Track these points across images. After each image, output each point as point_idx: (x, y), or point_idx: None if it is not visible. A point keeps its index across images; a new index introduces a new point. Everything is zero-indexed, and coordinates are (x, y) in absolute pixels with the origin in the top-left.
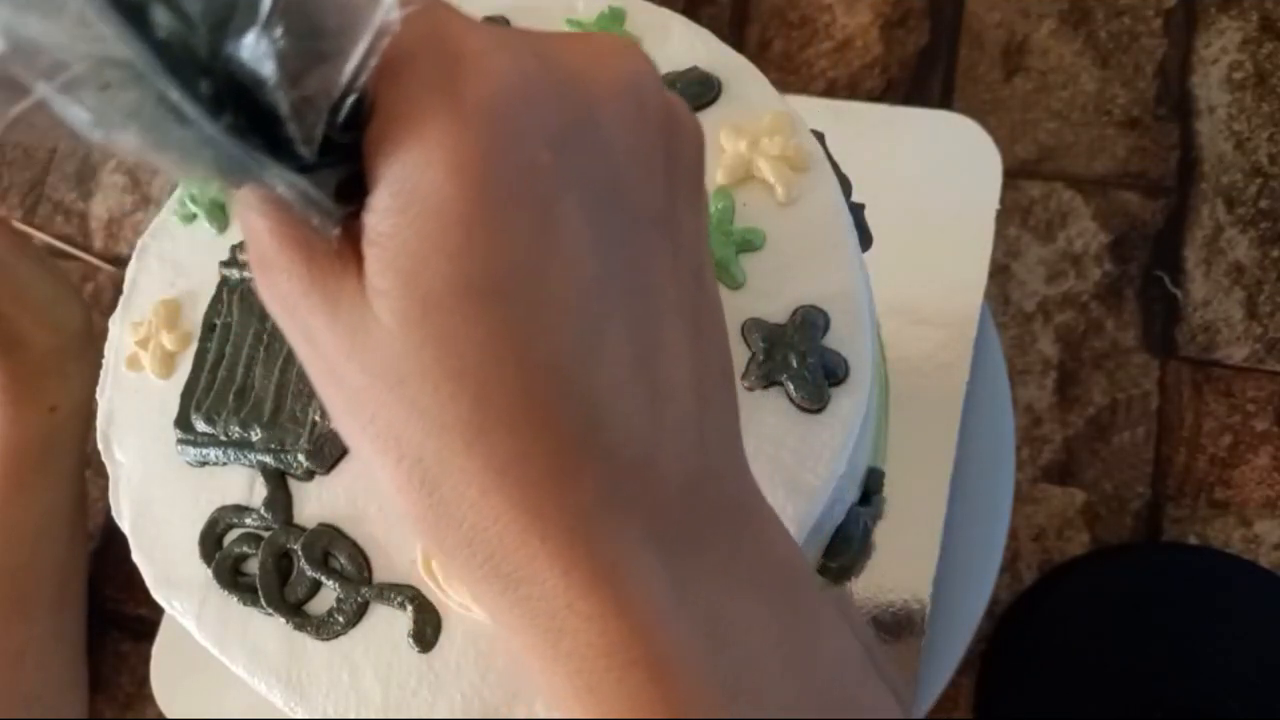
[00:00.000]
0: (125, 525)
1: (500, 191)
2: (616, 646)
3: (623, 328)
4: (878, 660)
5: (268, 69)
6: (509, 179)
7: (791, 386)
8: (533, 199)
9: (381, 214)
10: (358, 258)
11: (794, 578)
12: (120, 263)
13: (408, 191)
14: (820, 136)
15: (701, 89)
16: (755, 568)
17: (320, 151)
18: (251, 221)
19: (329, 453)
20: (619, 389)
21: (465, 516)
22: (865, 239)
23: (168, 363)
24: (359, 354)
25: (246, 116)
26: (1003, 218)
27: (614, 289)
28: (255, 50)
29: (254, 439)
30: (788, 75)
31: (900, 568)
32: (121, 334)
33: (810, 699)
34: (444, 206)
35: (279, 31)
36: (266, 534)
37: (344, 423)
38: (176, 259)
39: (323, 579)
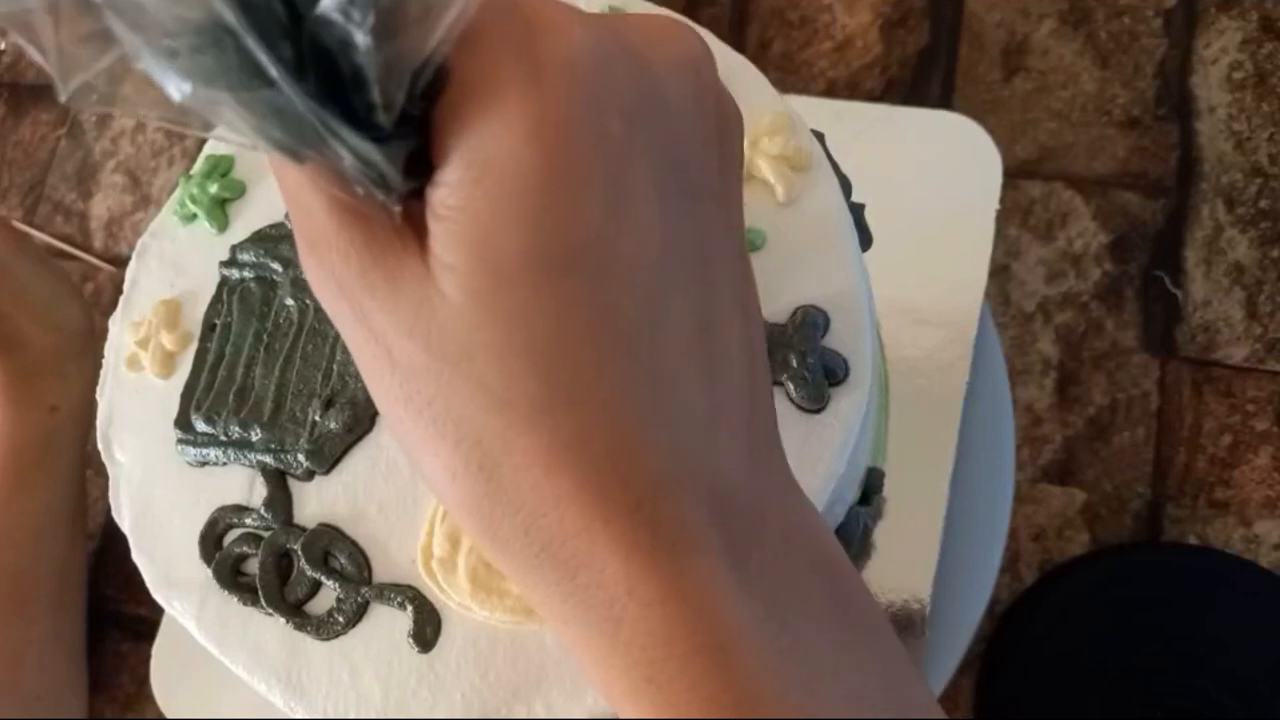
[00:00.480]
0: (125, 525)
1: (576, 161)
2: (678, 634)
3: (684, 299)
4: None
5: (360, 33)
6: (585, 147)
7: (791, 386)
8: (606, 170)
9: (453, 186)
10: (418, 234)
11: (840, 568)
12: (120, 263)
13: (482, 161)
14: (820, 136)
15: None
16: (804, 553)
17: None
18: (306, 200)
19: (329, 453)
20: (681, 362)
21: (525, 500)
22: (865, 239)
23: (168, 363)
24: (421, 331)
25: (324, 83)
26: (1003, 218)
27: (677, 261)
28: (349, 13)
29: (254, 439)
30: (788, 75)
31: (900, 568)
32: (121, 334)
33: (867, 692)
34: (520, 175)
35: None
36: (266, 534)
37: (397, 408)
38: (176, 259)
39: (323, 579)
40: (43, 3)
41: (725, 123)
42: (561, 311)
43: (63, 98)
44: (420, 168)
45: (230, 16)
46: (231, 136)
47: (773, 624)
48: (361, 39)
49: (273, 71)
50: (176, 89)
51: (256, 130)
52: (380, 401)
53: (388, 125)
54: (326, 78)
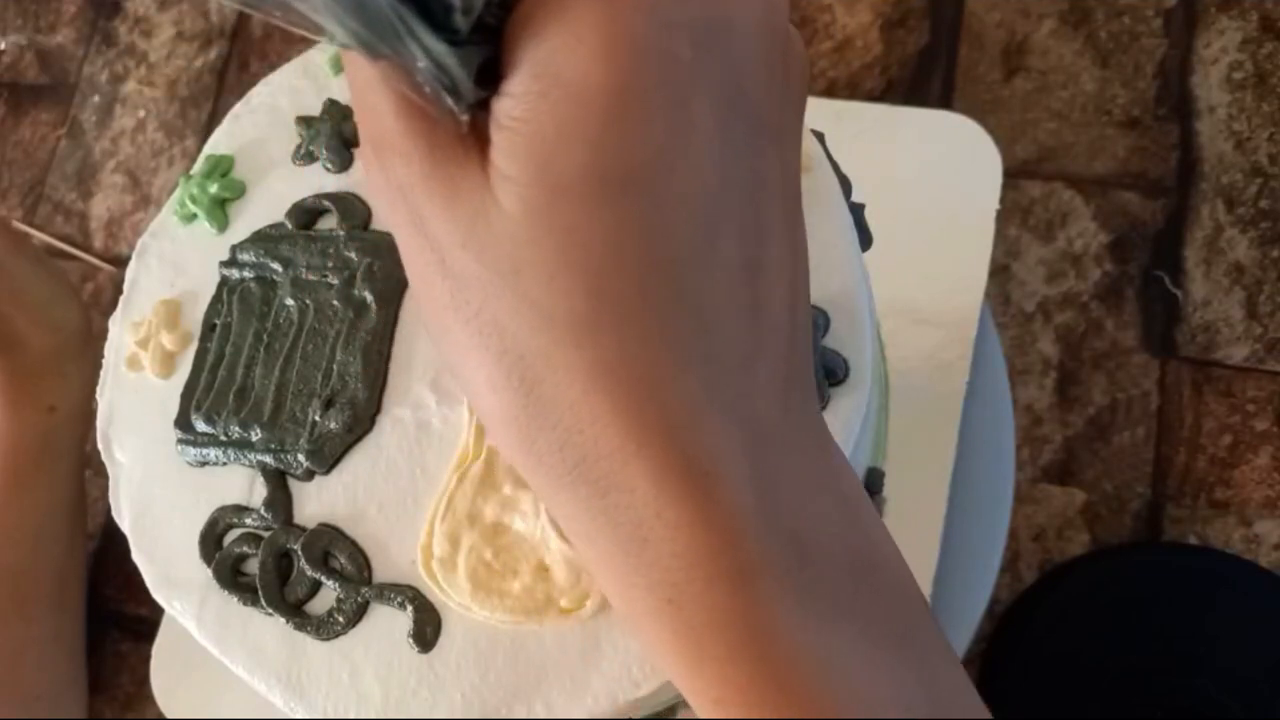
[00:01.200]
0: (125, 525)
1: (644, 82)
2: (703, 558)
3: (735, 233)
4: None
5: None
6: (653, 69)
7: None
8: (672, 93)
9: (519, 98)
10: (481, 145)
11: (863, 510)
12: (120, 263)
13: (550, 75)
14: (820, 136)
15: None
16: (828, 493)
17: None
18: (374, 101)
19: (329, 453)
20: (727, 296)
21: (562, 417)
22: (865, 239)
23: (168, 363)
24: (475, 242)
25: None
26: (1003, 218)
27: (732, 195)
28: None
29: (254, 439)
30: None
31: None
32: (121, 334)
33: (885, 630)
34: (586, 92)
35: None
36: (266, 534)
37: (444, 316)
38: (176, 259)
39: (323, 579)
40: None
41: (791, 60)
42: (615, 232)
43: None
44: (490, 78)
45: None
46: (309, 28)
47: (795, 556)
48: None
49: None
50: None
51: (338, 21)
52: (427, 308)
53: (464, 29)
54: None
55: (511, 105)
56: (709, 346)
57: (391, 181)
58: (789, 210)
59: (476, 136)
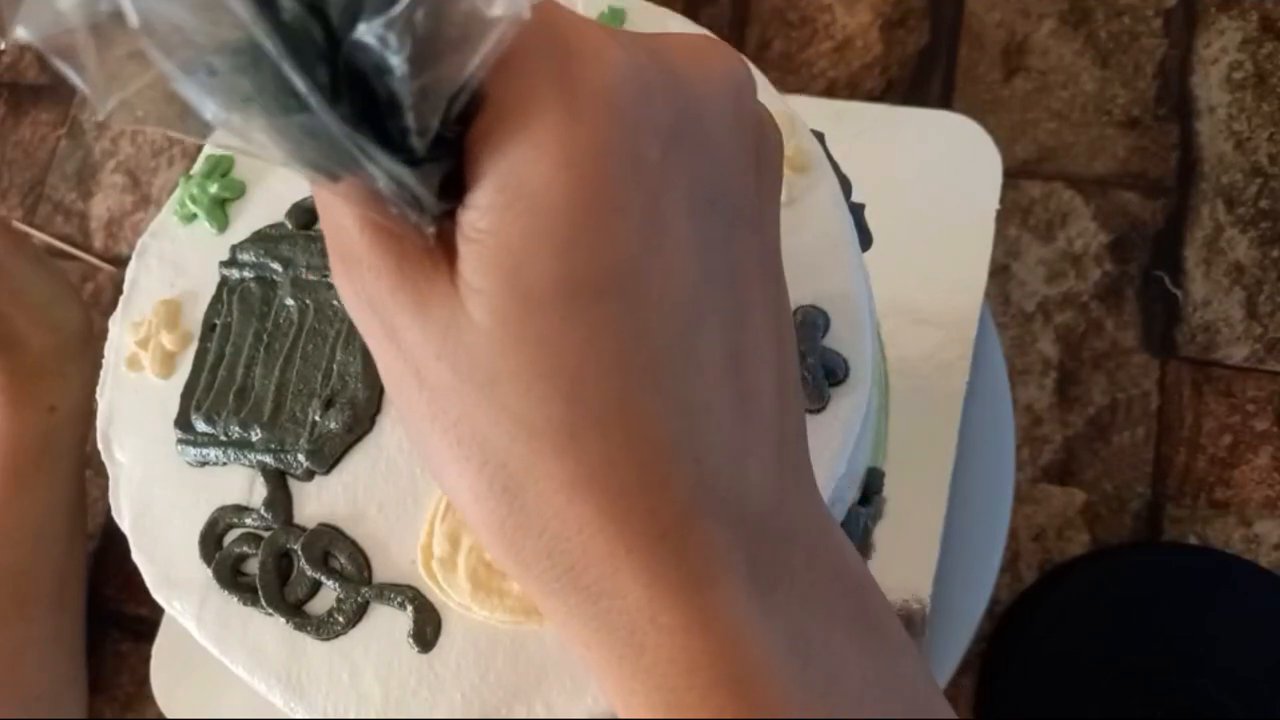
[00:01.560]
0: (125, 525)
1: (611, 186)
2: (700, 664)
3: (716, 328)
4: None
5: (397, 59)
6: (620, 174)
7: None
8: (641, 196)
9: (484, 210)
10: (449, 256)
11: (867, 594)
12: (120, 263)
13: (514, 186)
14: (820, 136)
15: None
16: (832, 581)
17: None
18: (339, 217)
19: (329, 453)
20: (711, 391)
21: (548, 525)
22: (865, 239)
23: (168, 363)
24: (448, 353)
25: (358, 106)
26: (1003, 218)
27: (711, 290)
28: (386, 39)
29: (254, 439)
30: (788, 75)
31: (900, 568)
32: (121, 334)
33: (895, 708)
34: (552, 201)
35: (414, 19)
36: (266, 534)
37: (423, 427)
38: (176, 259)
39: (323, 579)
40: (84, 23)
41: (765, 148)
42: (589, 339)
43: (100, 116)
44: (454, 189)
45: (266, 40)
46: (266, 157)
47: (797, 656)
48: (399, 65)
49: (308, 96)
50: (210, 111)
51: (291, 152)
52: (406, 418)
53: (421, 150)
54: (362, 100)
55: (477, 218)
56: (695, 446)
57: (361, 295)
58: (769, 296)
59: (444, 248)
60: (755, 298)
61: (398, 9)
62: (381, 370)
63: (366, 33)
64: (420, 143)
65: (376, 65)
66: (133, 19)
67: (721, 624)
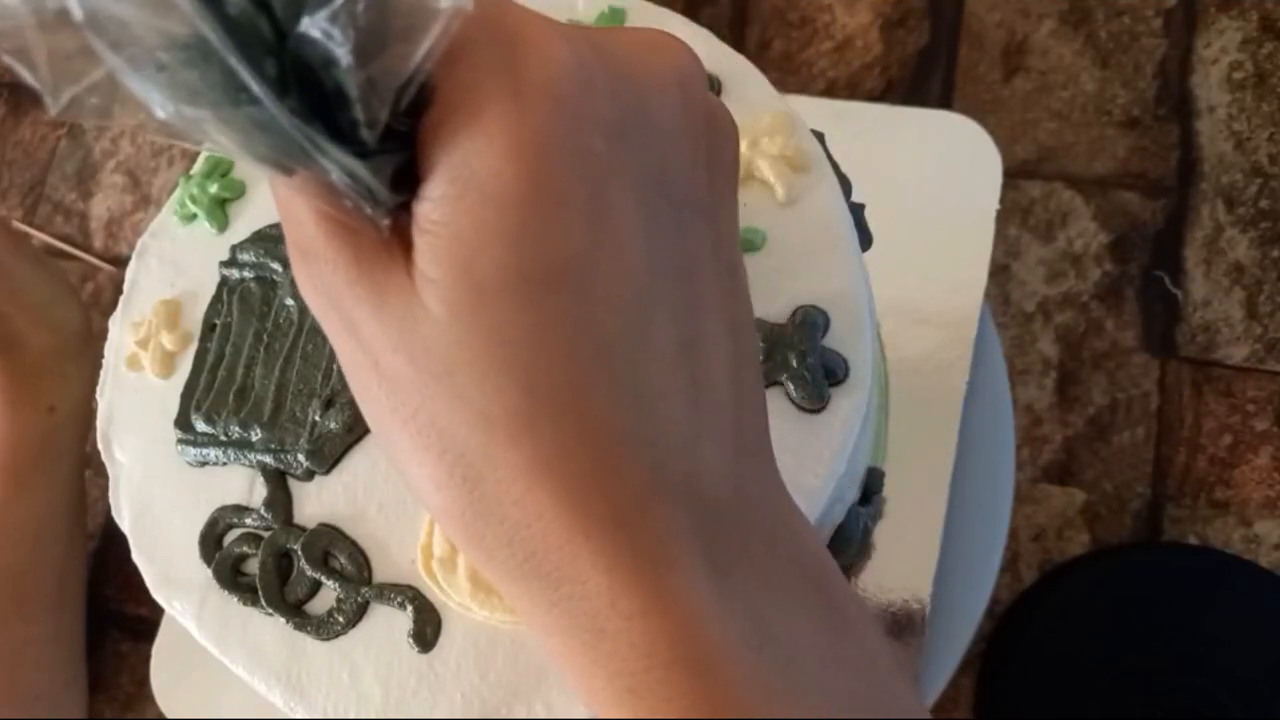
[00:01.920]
0: (125, 525)
1: (557, 177)
2: (659, 646)
3: (668, 317)
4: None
5: (342, 51)
6: (566, 165)
7: (791, 386)
8: (588, 186)
9: (436, 201)
10: (405, 248)
11: (826, 576)
12: (120, 263)
13: (465, 178)
14: (820, 136)
15: None
16: (790, 564)
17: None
18: (295, 211)
19: (329, 453)
20: (663, 379)
21: (507, 514)
22: (865, 239)
23: (168, 363)
24: (405, 345)
25: (308, 99)
26: (1003, 218)
27: (661, 278)
28: (330, 32)
29: (254, 439)
30: (788, 75)
31: (900, 568)
32: (121, 334)
33: (851, 698)
34: (501, 193)
35: (356, 11)
36: (266, 534)
37: (384, 418)
38: (176, 259)
39: (323, 579)
40: (32, 18)
41: (715, 137)
42: (542, 328)
43: (53, 111)
44: (408, 181)
45: (213, 35)
46: (218, 150)
47: (755, 636)
48: (344, 57)
49: (256, 89)
50: (160, 106)
51: (242, 146)
52: (366, 410)
53: (372, 142)
54: (311, 93)
55: (430, 209)
56: (650, 432)
57: (319, 288)
58: (724, 285)
59: (401, 239)
60: (709, 288)
61: (340, 1)
62: (342, 362)
63: (311, 25)
64: (370, 135)
65: (323, 58)
66: (77, 14)
67: (679, 607)
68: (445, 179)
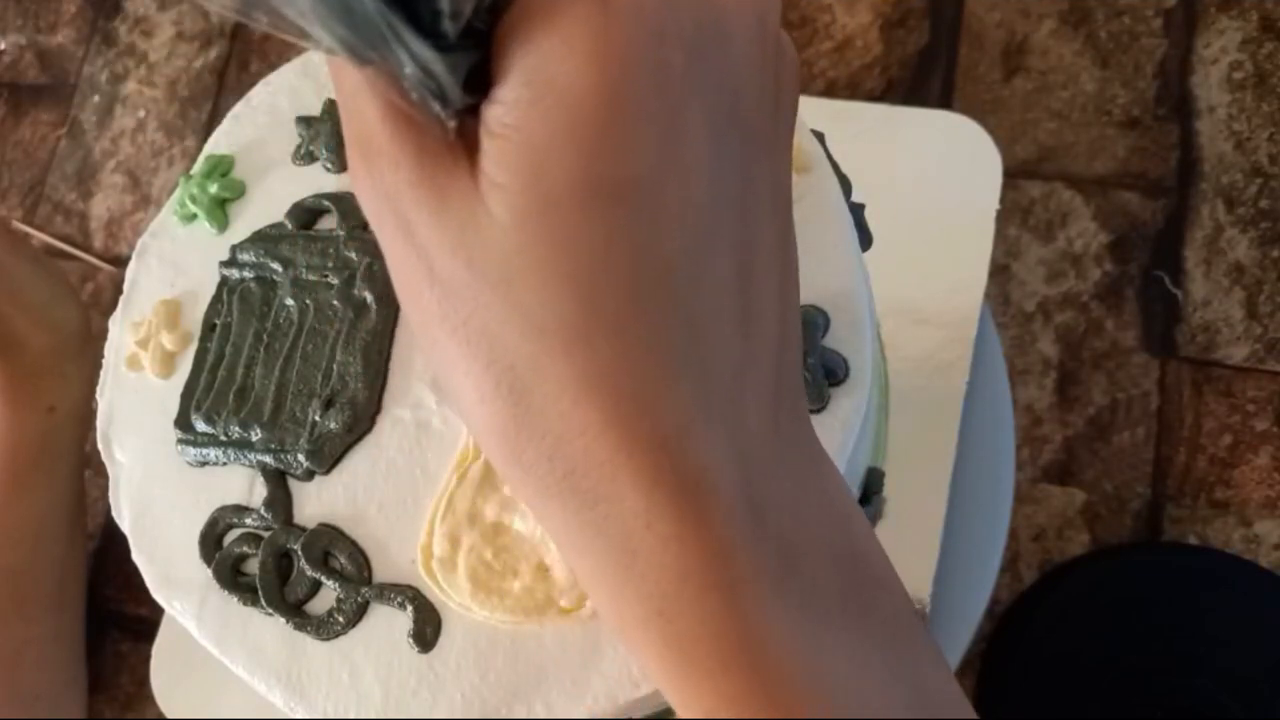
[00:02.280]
0: (125, 525)
1: (636, 90)
2: (693, 570)
3: (727, 245)
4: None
5: None
6: (646, 79)
7: None
8: (665, 102)
9: (510, 105)
10: (470, 151)
11: (852, 524)
12: (120, 263)
13: (542, 82)
14: (820, 136)
15: None
16: (823, 504)
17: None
18: (361, 106)
19: (329, 453)
20: (719, 306)
21: (551, 427)
22: (865, 239)
23: (168, 363)
24: (464, 249)
25: None
26: (1003, 218)
27: (724, 205)
28: None
29: (254, 439)
30: None
31: (900, 568)
32: (121, 334)
33: (874, 647)
34: (579, 100)
35: None
36: (266, 534)
37: (433, 326)
38: (176, 259)
39: (323, 579)
40: None
41: (784, 69)
42: (606, 242)
43: None
44: (479, 84)
45: None
46: (291, 35)
47: (785, 567)
48: None
49: None
50: None
51: (324, 26)
52: (414, 316)
53: (453, 34)
54: None
55: (503, 112)
56: (701, 357)
57: (378, 188)
58: (779, 221)
59: (465, 143)
60: (765, 221)
61: None
62: (392, 268)
63: None
64: (452, 27)
65: None
66: None
67: (714, 534)
68: (521, 82)
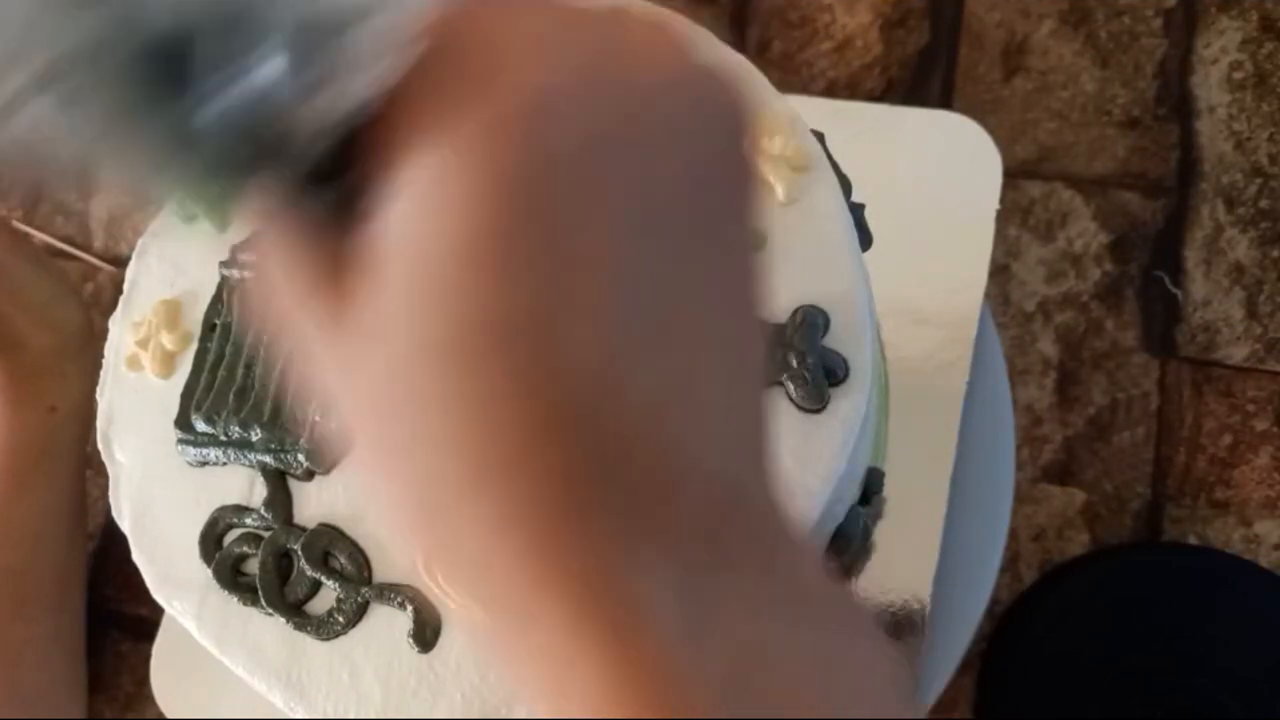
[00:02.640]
0: (125, 525)
1: (525, 220)
2: (627, 704)
3: (652, 359)
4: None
5: (280, 90)
6: (537, 205)
7: (791, 387)
8: (560, 226)
9: (387, 233)
10: (352, 283)
11: (835, 600)
12: (120, 263)
13: (417, 213)
14: (820, 136)
15: None
16: (788, 589)
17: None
18: (254, 231)
19: (329, 453)
20: (638, 428)
21: (474, 558)
22: (865, 239)
23: (168, 363)
24: (361, 383)
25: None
26: (1003, 218)
27: (643, 319)
28: (269, 68)
29: (254, 439)
30: (788, 75)
31: (900, 568)
32: (121, 334)
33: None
34: (461, 234)
35: (305, 41)
36: (266, 534)
37: (352, 435)
38: (176, 259)
39: (323, 579)
40: None
41: (730, 147)
42: (498, 383)
43: None
44: (355, 202)
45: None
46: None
47: (727, 696)
48: (283, 94)
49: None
50: (74, 134)
51: (165, 166)
52: (338, 423)
53: (307, 167)
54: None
55: (382, 239)
56: (620, 483)
57: (275, 313)
58: (723, 314)
59: (348, 271)
60: (703, 323)
61: (283, 34)
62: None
63: (263, 75)
64: (305, 166)
65: (261, 90)
66: None
67: (649, 662)
68: (400, 208)
